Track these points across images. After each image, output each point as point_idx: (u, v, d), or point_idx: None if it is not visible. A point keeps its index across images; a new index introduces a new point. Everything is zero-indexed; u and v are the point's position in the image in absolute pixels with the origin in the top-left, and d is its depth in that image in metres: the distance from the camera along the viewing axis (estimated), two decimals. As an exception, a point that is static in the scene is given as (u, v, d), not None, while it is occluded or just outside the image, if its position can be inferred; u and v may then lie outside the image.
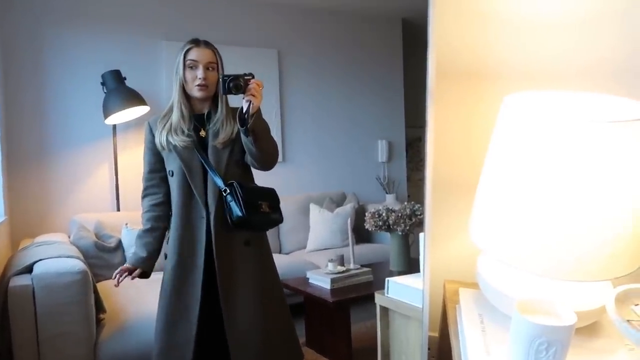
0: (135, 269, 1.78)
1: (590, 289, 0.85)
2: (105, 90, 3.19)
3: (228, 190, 1.70)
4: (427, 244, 1.07)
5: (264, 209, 1.75)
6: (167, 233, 1.83)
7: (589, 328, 0.84)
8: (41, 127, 3.25)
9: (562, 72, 1.01)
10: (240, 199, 1.68)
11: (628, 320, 0.75)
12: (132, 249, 2.89)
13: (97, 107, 3.21)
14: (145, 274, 1.80)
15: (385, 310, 1.83)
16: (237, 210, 1.68)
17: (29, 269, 2.11)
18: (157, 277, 1.83)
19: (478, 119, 1.05)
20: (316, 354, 2.70)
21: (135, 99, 3.16)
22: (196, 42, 1.74)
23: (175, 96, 1.75)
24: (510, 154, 0.80)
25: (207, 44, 1.75)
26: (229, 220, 1.70)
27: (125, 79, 3.22)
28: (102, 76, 3.19)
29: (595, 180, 0.72)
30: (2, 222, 2.69)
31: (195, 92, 1.72)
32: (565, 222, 0.73)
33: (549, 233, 0.75)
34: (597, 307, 0.82)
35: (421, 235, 1.39)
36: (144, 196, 1.84)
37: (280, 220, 1.84)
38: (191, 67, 1.71)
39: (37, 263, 2.14)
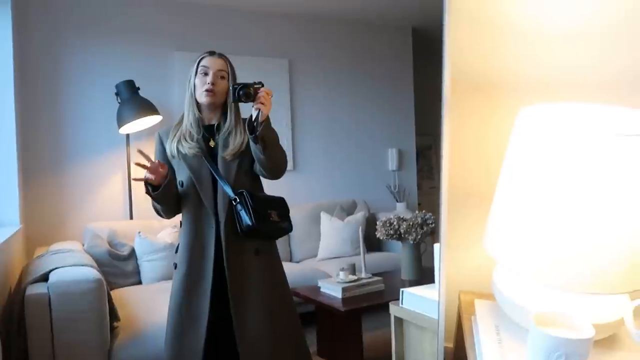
0: (166, 168, 1.69)
1: (608, 301, 0.85)
2: (119, 100, 3.23)
3: (238, 200, 1.71)
4: (443, 255, 1.07)
5: (274, 217, 1.76)
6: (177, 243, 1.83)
7: (606, 340, 0.84)
8: (56, 136, 3.30)
9: (578, 84, 1.00)
10: (250, 208, 1.69)
11: (647, 333, 0.75)
12: (145, 257, 2.95)
13: (111, 117, 3.26)
14: (157, 188, 1.68)
15: (399, 320, 1.82)
16: (246, 219, 1.69)
17: (44, 277, 2.14)
18: (169, 286, 1.84)
19: (493, 129, 1.05)
20: (328, 363, 2.69)
21: (148, 108, 3.20)
22: (210, 53, 1.79)
23: (185, 104, 1.79)
24: (526, 165, 0.80)
25: (221, 55, 1.80)
26: (239, 229, 1.71)
27: (139, 89, 3.25)
28: (116, 86, 3.24)
29: (610, 193, 0.71)
30: (17, 230, 2.72)
31: (203, 98, 1.74)
32: (581, 235, 0.73)
33: (565, 246, 0.74)
34: (615, 320, 0.81)
35: (436, 245, 1.39)
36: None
37: (289, 229, 1.84)
38: (202, 74, 1.75)
39: (53, 271, 2.16)
